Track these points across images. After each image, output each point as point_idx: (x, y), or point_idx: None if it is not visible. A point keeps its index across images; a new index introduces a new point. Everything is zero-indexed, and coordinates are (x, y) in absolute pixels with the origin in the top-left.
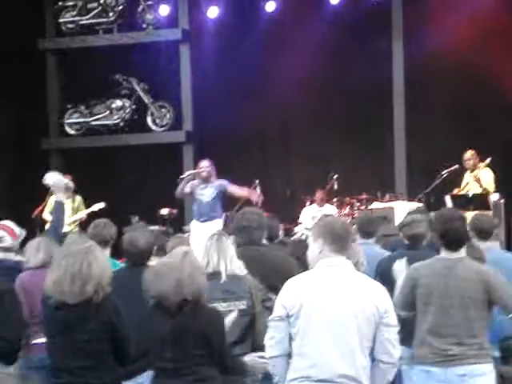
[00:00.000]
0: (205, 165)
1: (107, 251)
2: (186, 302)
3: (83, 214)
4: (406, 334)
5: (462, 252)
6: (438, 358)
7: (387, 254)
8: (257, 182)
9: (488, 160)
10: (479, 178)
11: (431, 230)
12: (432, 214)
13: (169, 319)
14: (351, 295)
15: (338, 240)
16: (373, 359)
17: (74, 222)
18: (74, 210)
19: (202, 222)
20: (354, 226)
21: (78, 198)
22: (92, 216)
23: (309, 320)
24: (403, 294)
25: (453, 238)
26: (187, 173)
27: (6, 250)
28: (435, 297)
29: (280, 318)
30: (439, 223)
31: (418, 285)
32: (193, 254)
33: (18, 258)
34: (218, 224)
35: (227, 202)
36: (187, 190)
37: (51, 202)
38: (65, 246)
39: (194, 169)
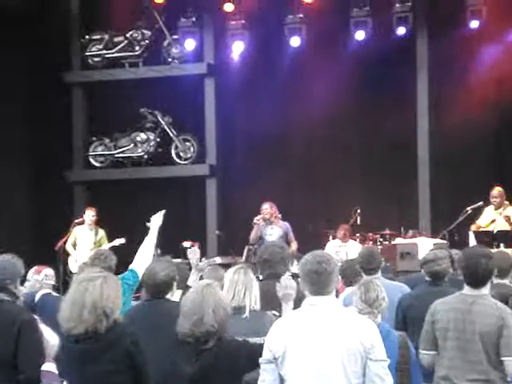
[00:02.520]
0: (265, 207)
1: None
2: (210, 336)
3: (105, 247)
4: (427, 371)
5: (485, 289)
6: None
7: (395, 284)
8: (279, 216)
9: None
10: (510, 217)
11: (454, 266)
12: (455, 251)
13: (193, 359)
14: (335, 334)
15: (313, 281)
16: None
17: None
18: (96, 244)
19: None
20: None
21: (101, 232)
22: (114, 250)
23: (295, 362)
24: (425, 332)
25: (475, 276)
26: (256, 218)
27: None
28: (452, 332)
29: (267, 360)
30: (463, 259)
31: (436, 320)
32: (215, 287)
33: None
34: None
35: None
36: (258, 233)
37: (74, 233)
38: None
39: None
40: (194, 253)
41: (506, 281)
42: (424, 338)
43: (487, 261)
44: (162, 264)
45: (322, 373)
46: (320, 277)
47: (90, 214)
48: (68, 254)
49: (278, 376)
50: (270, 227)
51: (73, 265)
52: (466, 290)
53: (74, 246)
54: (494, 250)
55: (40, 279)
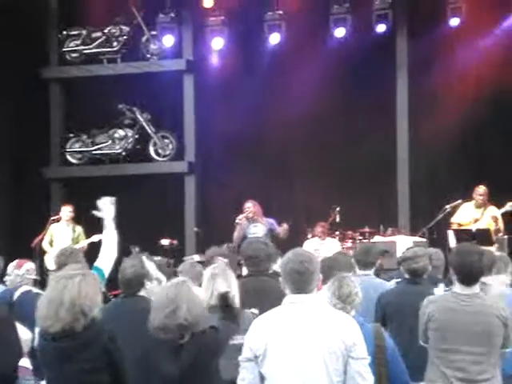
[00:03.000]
0: (248, 206)
1: None
2: (183, 330)
3: (83, 244)
4: (415, 370)
5: (477, 287)
6: None
7: (386, 284)
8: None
9: (510, 204)
10: (497, 218)
11: (433, 264)
12: (432, 249)
13: (171, 359)
14: (316, 332)
15: (294, 280)
16: None
17: None
18: (73, 240)
19: None
20: (353, 258)
21: (78, 228)
22: (92, 246)
23: (275, 360)
24: (421, 325)
25: (469, 273)
26: (239, 217)
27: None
28: (448, 332)
29: (247, 359)
30: (455, 257)
31: (431, 319)
32: (191, 284)
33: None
34: None
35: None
36: (241, 232)
37: (51, 231)
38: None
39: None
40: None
41: (489, 278)
42: (421, 331)
43: (481, 258)
44: (133, 260)
45: (303, 371)
46: (302, 276)
47: (66, 211)
48: (44, 252)
49: (258, 374)
50: (254, 225)
51: (49, 262)
52: (459, 288)
53: (51, 243)
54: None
55: (21, 274)
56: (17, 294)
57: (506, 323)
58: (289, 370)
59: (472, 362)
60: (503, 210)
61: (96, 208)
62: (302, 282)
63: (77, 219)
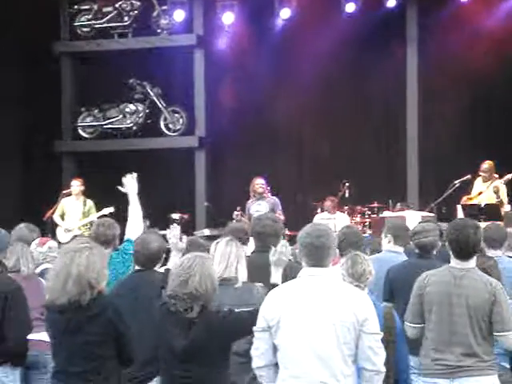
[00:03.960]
0: (261, 182)
1: (108, 251)
2: (193, 300)
3: (94, 217)
4: (414, 344)
5: (472, 262)
6: (444, 369)
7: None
8: (268, 188)
9: (510, 176)
10: (499, 189)
11: (443, 238)
12: (443, 224)
13: (181, 333)
14: (330, 305)
15: (313, 253)
16: (359, 367)
17: (85, 225)
18: (84, 214)
19: None
20: (384, 233)
21: (89, 202)
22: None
23: (288, 331)
24: (412, 304)
25: (463, 247)
26: (236, 213)
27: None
28: (439, 306)
29: (262, 329)
30: (451, 231)
31: (425, 293)
32: (207, 259)
33: None
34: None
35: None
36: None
37: (62, 204)
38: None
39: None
40: (173, 231)
41: (499, 252)
42: (411, 310)
43: (476, 231)
44: (154, 235)
45: (315, 343)
46: (318, 250)
47: (75, 185)
48: (56, 225)
49: (272, 345)
50: (258, 203)
51: (61, 235)
52: (454, 262)
53: (62, 216)
54: (486, 223)
55: (44, 251)
56: (37, 271)
57: (495, 299)
58: (301, 341)
59: (464, 334)
60: (502, 180)
61: (110, 182)
62: (318, 256)
63: (88, 192)
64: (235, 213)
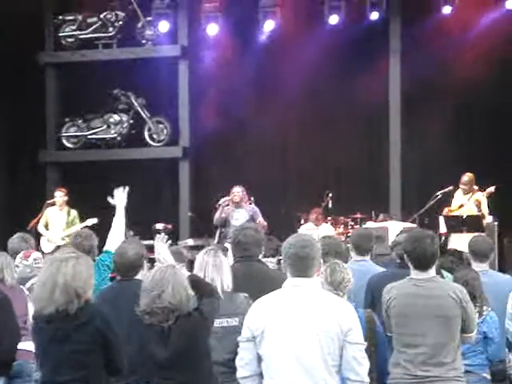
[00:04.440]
0: (236, 190)
1: None
2: (168, 313)
3: (77, 227)
4: None
5: (432, 272)
6: (411, 379)
7: (380, 269)
8: (252, 199)
9: (492, 189)
10: (480, 202)
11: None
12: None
13: (161, 343)
14: (314, 315)
15: (297, 264)
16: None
17: (68, 235)
18: (68, 224)
19: None
20: (349, 244)
21: (73, 212)
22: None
23: (273, 342)
24: (385, 315)
25: (423, 258)
26: (223, 200)
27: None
28: (405, 318)
29: (247, 339)
30: (408, 242)
31: (390, 306)
32: (178, 269)
33: None
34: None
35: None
36: (223, 215)
37: (46, 214)
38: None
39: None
40: (161, 249)
41: (484, 265)
42: (385, 321)
43: (433, 241)
44: (132, 243)
45: (299, 353)
46: (302, 261)
47: (59, 195)
48: (40, 235)
49: (257, 355)
50: (237, 211)
51: (45, 245)
52: (414, 273)
53: (46, 226)
54: (468, 234)
55: (29, 264)
56: (28, 285)
57: (461, 305)
58: (285, 351)
59: (432, 344)
60: (484, 193)
61: (94, 193)
62: (302, 266)
63: (72, 202)
64: (222, 199)
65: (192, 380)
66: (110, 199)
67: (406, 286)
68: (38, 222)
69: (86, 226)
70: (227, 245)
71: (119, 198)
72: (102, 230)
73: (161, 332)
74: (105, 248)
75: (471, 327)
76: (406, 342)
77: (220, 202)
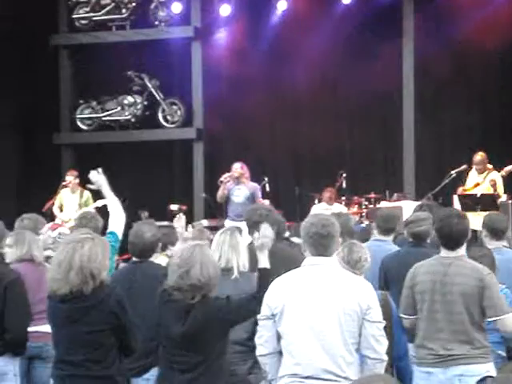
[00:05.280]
0: (236, 166)
1: None
2: (195, 290)
3: (90, 208)
4: (412, 332)
5: (461, 251)
6: (436, 359)
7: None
8: (266, 179)
9: (510, 167)
10: (495, 182)
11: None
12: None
13: (179, 319)
14: (333, 293)
15: (316, 243)
16: (361, 355)
17: None
18: (81, 205)
19: (236, 221)
20: (373, 223)
21: (87, 193)
22: (100, 211)
23: (292, 319)
24: (404, 296)
25: (449, 237)
26: (224, 176)
27: None
28: (430, 295)
29: (266, 317)
30: (437, 222)
31: (416, 283)
32: (206, 247)
33: None
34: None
35: None
36: (225, 192)
37: (60, 196)
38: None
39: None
40: (179, 221)
41: (501, 242)
42: (404, 302)
43: (460, 221)
44: (148, 225)
45: (318, 330)
46: (324, 240)
47: (71, 177)
48: (55, 217)
49: (276, 332)
50: (238, 187)
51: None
52: (443, 252)
53: (61, 208)
54: (483, 212)
55: (53, 236)
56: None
57: (483, 286)
58: (304, 328)
59: (457, 323)
60: (503, 172)
61: (109, 174)
62: (323, 245)
63: (84, 184)
64: (223, 176)
65: (205, 362)
66: (89, 186)
67: (431, 264)
68: (52, 204)
69: (97, 207)
70: (241, 224)
71: (98, 180)
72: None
73: (181, 309)
74: (109, 229)
75: (498, 310)
76: (429, 321)
77: (221, 179)
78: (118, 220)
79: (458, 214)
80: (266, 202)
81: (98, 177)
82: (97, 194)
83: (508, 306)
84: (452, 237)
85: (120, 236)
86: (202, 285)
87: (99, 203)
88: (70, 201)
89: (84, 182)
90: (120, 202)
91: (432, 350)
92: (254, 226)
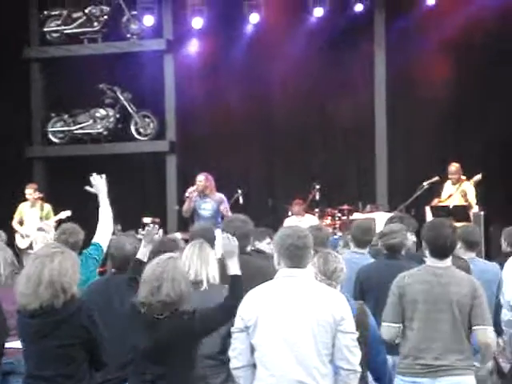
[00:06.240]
0: (199, 179)
1: None
2: (165, 306)
3: (51, 221)
4: (388, 344)
5: (449, 261)
6: (423, 369)
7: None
8: (239, 191)
9: (478, 176)
10: (466, 193)
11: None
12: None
13: (146, 333)
14: (307, 305)
15: (292, 255)
16: (335, 366)
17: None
18: (42, 218)
19: None
20: (349, 235)
21: (47, 206)
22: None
23: (266, 331)
24: (392, 305)
25: (440, 246)
26: (189, 190)
27: None
28: (422, 304)
29: (239, 329)
30: (428, 230)
31: (405, 293)
32: (178, 261)
33: None
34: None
35: None
36: (192, 205)
37: (20, 210)
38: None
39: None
40: (97, 181)
41: (472, 254)
42: (391, 310)
43: (453, 231)
44: (129, 237)
45: (292, 342)
46: (299, 251)
47: (28, 192)
48: (14, 231)
49: (250, 345)
50: (204, 201)
51: (20, 241)
52: (431, 261)
53: (21, 223)
54: (459, 224)
55: None
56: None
57: (476, 295)
58: (278, 340)
59: (445, 333)
60: (472, 181)
61: (81, 187)
62: (298, 256)
63: (59, 198)
64: (188, 190)
65: (170, 375)
66: (88, 188)
67: (423, 273)
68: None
69: (60, 219)
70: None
71: (99, 185)
72: (90, 223)
73: (148, 323)
74: (93, 240)
75: (485, 320)
76: (420, 330)
77: (187, 194)
78: (104, 231)
79: (450, 224)
80: (229, 214)
81: (99, 181)
82: (72, 208)
83: None
84: (446, 247)
85: (105, 248)
86: (172, 301)
87: (62, 215)
88: (30, 215)
89: (56, 194)
90: (116, 228)
91: (422, 360)
92: None
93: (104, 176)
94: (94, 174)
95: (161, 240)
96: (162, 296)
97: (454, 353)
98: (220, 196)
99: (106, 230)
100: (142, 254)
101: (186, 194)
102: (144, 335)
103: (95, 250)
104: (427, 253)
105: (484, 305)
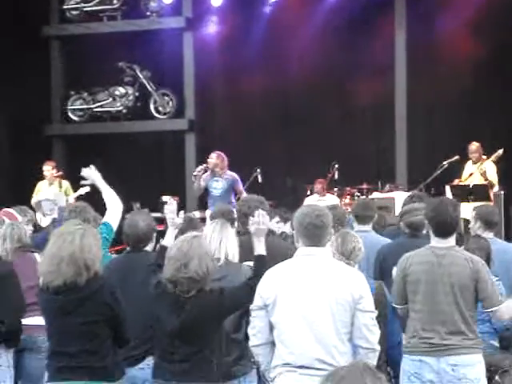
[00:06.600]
0: (211, 157)
1: None
2: (192, 284)
3: (71, 198)
4: (402, 322)
5: (452, 240)
6: (430, 347)
7: (384, 240)
8: (258, 170)
9: (500, 152)
10: (485, 172)
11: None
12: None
13: (174, 312)
14: (325, 283)
15: (310, 234)
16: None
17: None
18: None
19: None
20: (351, 215)
21: (65, 183)
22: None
23: (285, 309)
24: (396, 286)
25: (442, 225)
26: (198, 168)
27: None
28: (423, 285)
29: (258, 307)
30: (429, 210)
31: (408, 273)
32: (203, 239)
33: None
34: None
35: None
36: (202, 184)
37: (38, 188)
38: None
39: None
40: (170, 207)
41: (491, 234)
42: (396, 292)
43: (454, 209)
44: (142, 215)
45: (311, 320)
46: (318, 230)
47: (46, 169)
48: (32, 209)
49: (268, 323)
50: (215, 180)
51: (40, 219)
52: (435, 241)
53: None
54: (474, 204)
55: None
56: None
57: (478, 276)
58: (297, 318)
59: (449, 313)
60: (492, 158)
61: (100, 165)
62: (317, 235)
63: (78, 176)
64: (197, 169)
65: (197, 353)
66: (83, 182)
67: (424, 254)
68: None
69: (80, 195)
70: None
71: (90, 175)
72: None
73: (175, 302)
74: (103, 220)
75: (494, 301)
76: (423, 310)
77: (194, 173)
78: (113, 211)
79: (451, 201)
80: (244, 194)
81: (89, 172)
82: (78, 185)
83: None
84: (446, 224)
85: (115, 227)
86: (199, 278)
87: (81, 191)
88: (48, 193)
89: (75, 172)
90: (135, 206)
91: (426, 339)
92: (243, 218)
93: (92, 166)
94: (83, 168)
95: (188, 218)
96: (190, 273)
97: (459, 333)
98: (232, 175)
99: (114, 209)
100: (168, 239)
101: (194, 173)
102: (171, 315)
103: (106, 230)
104: (431, 232)
105: (490, 285)
